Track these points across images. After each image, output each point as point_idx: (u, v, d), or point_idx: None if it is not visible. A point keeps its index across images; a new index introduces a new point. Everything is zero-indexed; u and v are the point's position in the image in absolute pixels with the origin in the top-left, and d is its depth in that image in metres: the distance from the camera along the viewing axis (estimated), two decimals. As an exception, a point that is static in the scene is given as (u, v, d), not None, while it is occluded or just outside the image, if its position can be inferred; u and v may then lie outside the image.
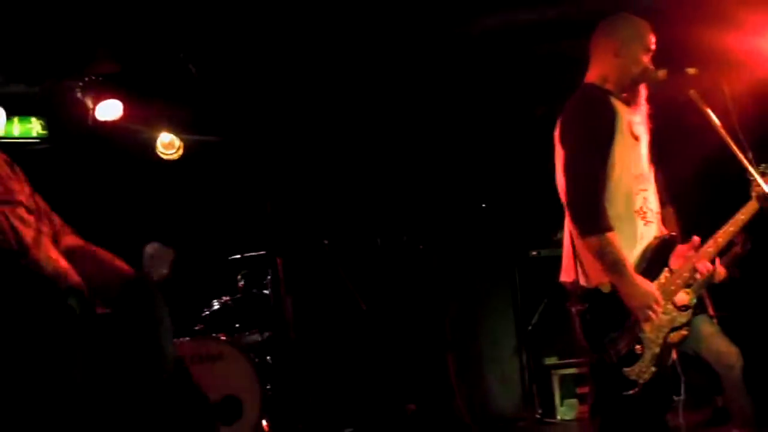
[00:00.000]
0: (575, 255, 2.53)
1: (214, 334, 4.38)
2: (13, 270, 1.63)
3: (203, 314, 4.58)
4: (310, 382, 4.44)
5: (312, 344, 4.57)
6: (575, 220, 2.49)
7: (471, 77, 4.80)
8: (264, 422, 4.22)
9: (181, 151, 5.01)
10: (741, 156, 2.55)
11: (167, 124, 4.95)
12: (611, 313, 2.45)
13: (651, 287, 2.45)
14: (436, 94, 5.06)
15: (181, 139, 4.99)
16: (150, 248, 4.96)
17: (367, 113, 5.23)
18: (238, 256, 4.72)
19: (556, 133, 2.62)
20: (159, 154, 4.99)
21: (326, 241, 4.15)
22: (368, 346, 5.36)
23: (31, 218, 1.77)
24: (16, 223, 1.71)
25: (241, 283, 4.63)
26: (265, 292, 4.57)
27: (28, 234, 1.73)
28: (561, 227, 2.68)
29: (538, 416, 5.13)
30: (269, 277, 4.48)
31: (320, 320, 4.93)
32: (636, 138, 2.57)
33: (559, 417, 5.07)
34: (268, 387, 4.30)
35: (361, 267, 5.39)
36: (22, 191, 1.82)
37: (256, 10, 3.92)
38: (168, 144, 5.02)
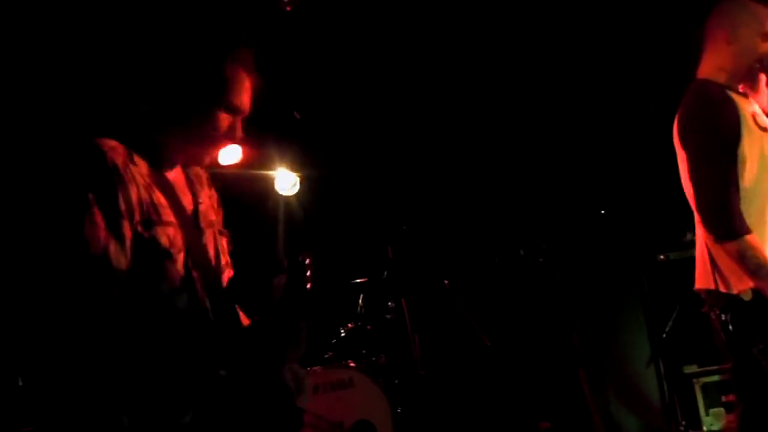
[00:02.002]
0: (711, 261, 2.42)
1: (343, 361, 4.46)
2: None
3: (332, 341, 4.67)
4: (441, 402, 4.44)
5: (442, 369, 4.59)
6: (709, 225, 2.37)
7: (583, 77, 4.72)
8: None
9: (297, 187, 5.16)
10: None
11: (284, 162, 5.11)
12: (757, 321, 2.31)
13: None
14: (547, 99, 5.01)
15: (298, 175, 5.14)
16: (277, 281, 5.13)
17: (474, 124, 5.24)
18: (358, 280, 4.80)
19: (676, 135, 2.51)
20: (278, 190, 5.16)
21: (446, 281, 4.21)
22: (498, 365, 5.30)
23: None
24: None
25: (362, 308, 4.70)
26: (387, 316, 4.63)
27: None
28: (690, 228, 2.57)
29: (681, 428, 4.89)
30: (390, 303, 4.54)
31: (448, 348, 4.94)
32: (764, 129, 2.43)
33: (705, 428, 4.81)
34: (398, 410, 4.33)
35: (482, 287, 5.36)
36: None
37: (369, 46, 4.04)
38: (286, 180, 5.19)
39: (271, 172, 5.39)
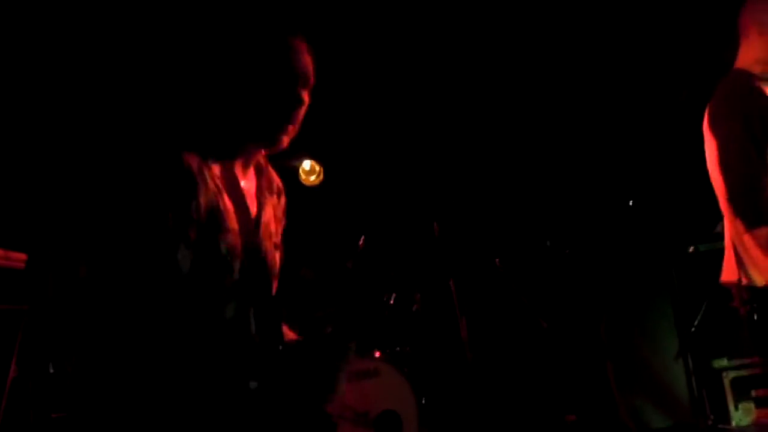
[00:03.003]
0: (740, 252, 2.39)
1: (368, 351, 4.47)
2: None
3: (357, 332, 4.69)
4: (467, 394, 4.44)
5: (487, 363, 4.59)
6: (739, 212, 2.35)
7: (614, 66, 4.69)
8: (423, 436, 4.26)
9: (322, 177, 5.17)
10: None
11: (308, 152, 5.13)
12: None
13: None
14: (580, 89, 4.99)
15: (322, 165, 5.16)
16: (306, 273, 5.17)
17: (509, 111, 5.23)
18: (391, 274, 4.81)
19: (705, 124, 2.49)
20: (302, 181, 5.18)
21: (498, 260, 4.17)
22: (524, 358, 5.28)
23: None
24: None
25: (392, 300, 4.71)
26: (414, 308, 4.63)
27: None
28: (720, 219, 2.54)
29: (710, 423, 4.83)
30: (418, 294, 4.54)
31: (494, 339, 4.93)
32: None
33: (734, 423, 4.75)
34: (423, 401, 4.34)
35: (529, 282, 5.33)
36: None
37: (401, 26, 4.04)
38: (309, 171, 5.20)
39: (296, 163, 5.41)
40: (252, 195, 1.78)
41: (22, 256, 3.21)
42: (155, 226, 1.56)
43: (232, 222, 1.68)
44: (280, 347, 1.74)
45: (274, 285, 1.82)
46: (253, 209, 1.76)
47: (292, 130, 1.73)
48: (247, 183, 1.78)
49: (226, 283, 1.65)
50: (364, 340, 4.64)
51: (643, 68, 4.74)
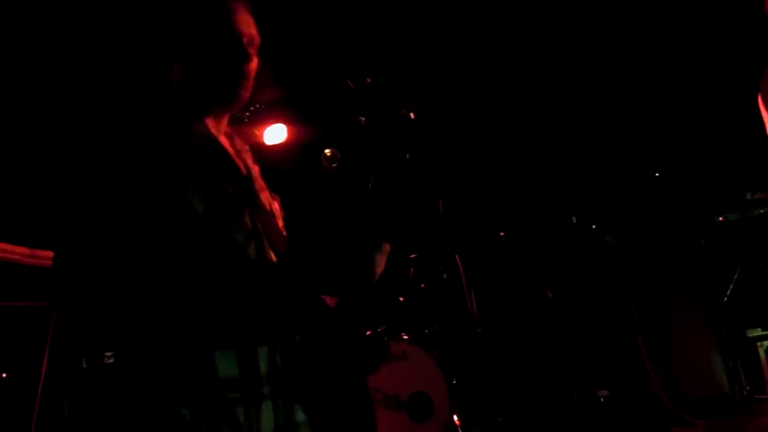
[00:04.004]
0: None
1: (396, 334, 4.47)
2: None
3: (384, 315, 4.69)
4: (497, 373, 4.42)
5: (497, 337, 4.55)
6: None
7: (635, 36, 4.60)
8: (455, 417, 4.25)
9: (340, 163, 5.18)
10: None
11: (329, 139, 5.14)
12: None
13: None
14: (602, 61, 4.91)
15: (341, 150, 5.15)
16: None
17: (519, 87, 5.16)
18: (413, 256, 4.79)
19: (760, 97, 2.47)
20: (324, 167, 5.18)
21: (503, 233, 4.11)
22: (553, 334, 5.24)
23: None
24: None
25: (413, 280, 4.70)
26: (437, 287, 4.61)
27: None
28: (750, 186, 2.49)
29: (746, 393, 4.77)
30: (444, 275, 4.51)
31: (503, 312, 4.89)
32: None
33: (771, 392, 4.69)
34: (453, 381, 4.32)
35: (534, 255, 5.28)
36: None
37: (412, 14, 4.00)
38: (330, 157, 5.20)
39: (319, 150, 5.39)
40: (234, 156, 1.84)
41: (49, 254, 3.24)
42: (162, 174, 1.61)
43: (232, 173, 1.75)
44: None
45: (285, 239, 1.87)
46: (240, 167, 1.83)
47: (245, 84, 1.80)
48: (227, 146, 1.86)
49: (244, 225, 1.69)
50: (392, 323, 4.64)
51: (667, 39, 4.64)
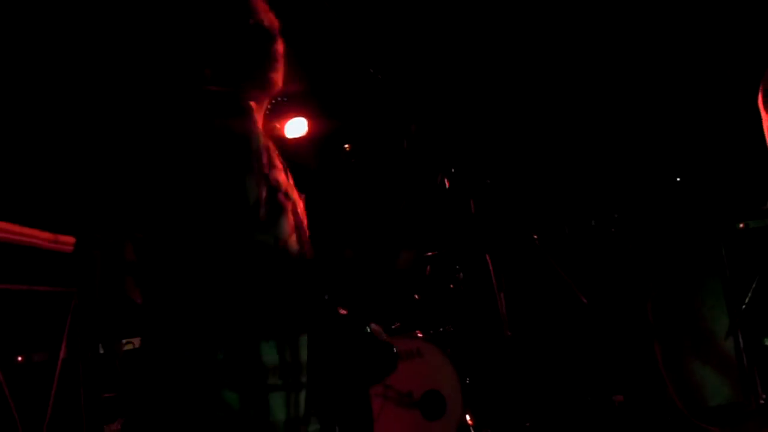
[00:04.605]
0: None
1: (410, 332, 4.47)
2: None
3: (399, 312, 4.69)
4: (516, 376, 4.41)
5: (524, 340, 4.55)
6: None
7: (656, 48, 4.56)
8: (468, 417, 4.25)
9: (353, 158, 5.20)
10: None
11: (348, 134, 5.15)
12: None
13: None
14: (621, 62, 4.88)
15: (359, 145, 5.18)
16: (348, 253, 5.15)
17: (554, 91, 5.15)
18: (430, 253, 4.79)
19: (760, 99, 2.44)
20: (343, 161, 5.20)
21: (536, 236, 4.11)
22: (580, 340, 5.23)
23: None
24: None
25: (430, 278, 4.70)
26: (452, 286, 4.61)
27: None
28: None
29: (762, 402, 4.73)
30: (461, 274, 4.51)
31: (532, 315, 4.89)
32: None
33: (786, 402, 4.65)
34: (467, 381, 4.32)
35: (566, 259, 5.27)
36: None
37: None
38: (350, 151, 5.22)
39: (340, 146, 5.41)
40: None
41: (71, 239, 3.28)
42: (226, 161, 1.60)
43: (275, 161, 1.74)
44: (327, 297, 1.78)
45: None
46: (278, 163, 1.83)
47: (276, 66, 1.83)
48: None
49: (289, 218, 1.70)
50: (406, 319, 4.64)
51: (691, 45, 4.61)
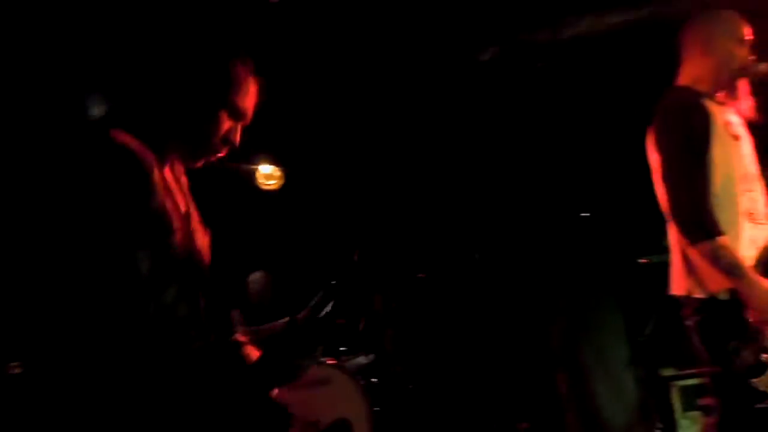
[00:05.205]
0: (686, 265, 2.43)
1: (321, 359, 4.44)
2: None
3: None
4: (418, 400, 4.43)
5: (419, 370, 4.58)
6: (683, 229, 2.39)
7: (560, 83, 4.72)
8: (375, 445, 4.23)
9: (282, 181, 5.16)
10: None
11: (268, 156, 5.12)
12: (732, 321, 2.33)
13: None
14: (525, 102, 5.01)
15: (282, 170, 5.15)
16: (253, 277, 5.11)
17: (446, 121, 5.23)
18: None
19: (649, 140, 2.53)
20: (259, 185, 5.15)
21: (422, 275, 4.16)
22: (476, 367, 5.30)
23: None
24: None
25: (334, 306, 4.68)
26: (369, 314, 4.61)
27: None
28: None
29: (658, 431, 4.91)
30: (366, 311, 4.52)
31: (424, 347, 4.94)
32: (736, 138, 2.45)
33: (681, 431, 4.84)
34: (376, 409, 4.31)
35: (461, 288, 5.35)
36: None
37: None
38: (268, 175, 5.18)
39: (252, 167, 5.36)
40: (176, 188, 1.77)
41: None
42: (114, 228, 1.52)
43: (176, 220, 1.67)
44: (231, 338, 1.73)
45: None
46: (180, 203, 1.75)
47: (221, 149, 1.78)
48: (169, 176, 1.78)
49: (178, 282, 1.63)
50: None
51: (596, 83, 4.79)
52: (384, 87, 4.82)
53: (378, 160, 5.25)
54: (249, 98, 1.78)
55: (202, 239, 1.79)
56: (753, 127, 2.55)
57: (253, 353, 1.75)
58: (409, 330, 4.67)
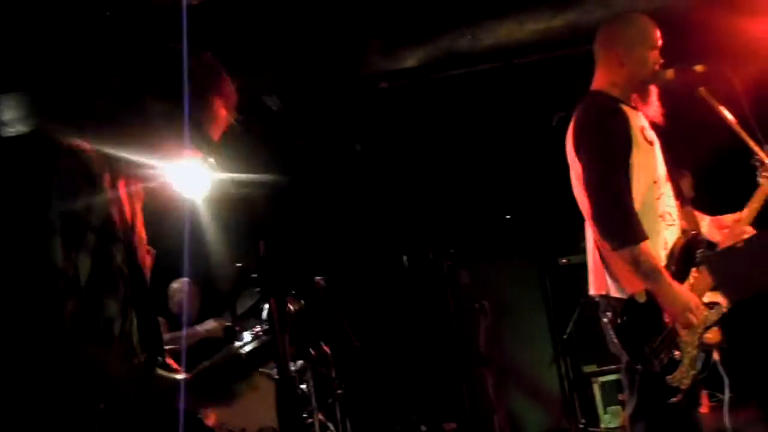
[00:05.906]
0: (604, 267, 2.46)
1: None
2: None
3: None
4: (348, 408, 4.41)
5: (344, 372, 4.55)
6: (605, 234, 2.38)
7: (486, 88, 4.75)
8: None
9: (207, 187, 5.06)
10: (757, 148, 2.48)
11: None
12: (648, 322, 2.37)
13: (688, 291, 2.38)
14: (454, 106, 5.02)
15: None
16: (176, 284, 4.98)
17: (384, 125, 5.22)
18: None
19: (569, 145, 2.51)
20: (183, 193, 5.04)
21: (319, 278, 4.15)
22: (401, 368, 5.31)
23: None
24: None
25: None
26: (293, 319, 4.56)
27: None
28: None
29: (581, 426, 5.03)
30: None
31: (342, 348, 4.91)
32: (650, 143, 2.49)
33: (603, 425, 4.97)
34: (304, 416, 4.27)
35: (389, 286, 5.36)
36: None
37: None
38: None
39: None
40: (126, 201, 1.73)
41: None
42: (47, 235, 1.47)
43: (120, 231, 1.63)
44: (160, 359, 1.69)
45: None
46: (128, 216, 1.71)
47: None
48: (121, 189, 1.73)
49: (120, 296, 1.59)
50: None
51: (519, 93, 4.82)
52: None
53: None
54: (218, 130, 1.78)
55: (144, 256, 1.76)
56: (659, 131, 2.56)
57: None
58: (336, 334, 4.65)
